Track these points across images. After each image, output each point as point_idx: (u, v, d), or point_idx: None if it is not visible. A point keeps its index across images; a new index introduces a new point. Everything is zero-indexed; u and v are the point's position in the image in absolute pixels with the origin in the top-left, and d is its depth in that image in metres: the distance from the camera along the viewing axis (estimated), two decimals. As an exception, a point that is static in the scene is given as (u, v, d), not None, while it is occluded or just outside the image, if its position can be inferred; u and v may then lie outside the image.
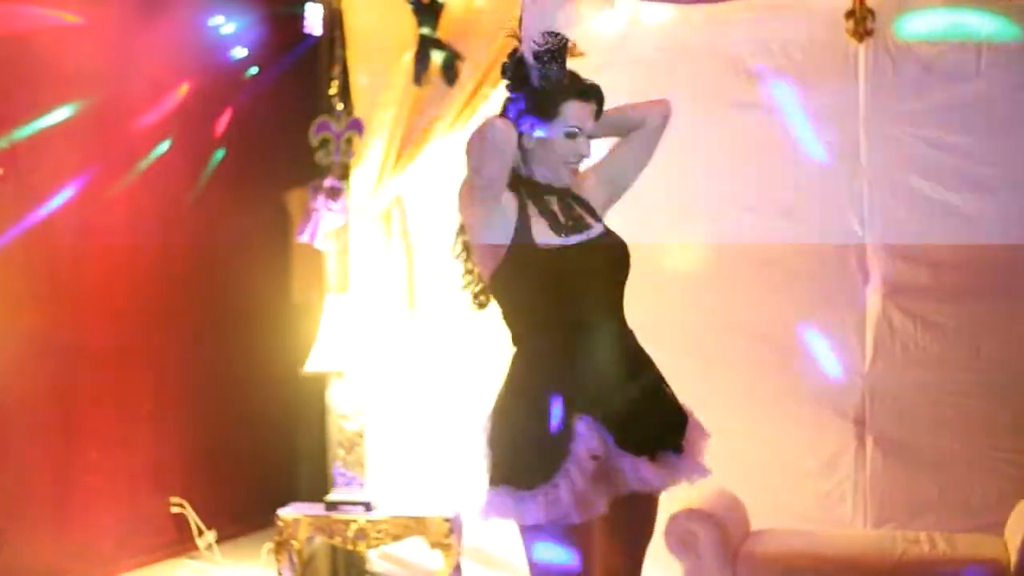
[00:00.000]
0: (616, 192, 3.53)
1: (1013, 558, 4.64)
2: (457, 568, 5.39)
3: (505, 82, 3.46)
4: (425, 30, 5.60)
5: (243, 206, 6.43)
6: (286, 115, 6.19)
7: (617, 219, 3.55)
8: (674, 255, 5.29)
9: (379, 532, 5.42)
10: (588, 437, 3.23)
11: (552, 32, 3.35)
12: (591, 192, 3.49)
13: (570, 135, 3.38)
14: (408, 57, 5.66)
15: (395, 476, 5.76)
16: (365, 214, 5.79)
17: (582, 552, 3.24)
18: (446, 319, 5.83)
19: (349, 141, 5.69)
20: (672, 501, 4.72)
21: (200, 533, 6.18)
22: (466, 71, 5.57)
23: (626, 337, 3.41)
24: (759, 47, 5.54)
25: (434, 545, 5.39)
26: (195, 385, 6.31)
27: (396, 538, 5.46)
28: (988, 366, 5.35)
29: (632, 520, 3.41)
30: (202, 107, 6.20)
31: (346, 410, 5.54)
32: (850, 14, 5.38)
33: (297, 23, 6.12)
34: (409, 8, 5.60)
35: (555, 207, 3.40)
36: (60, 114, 5.42)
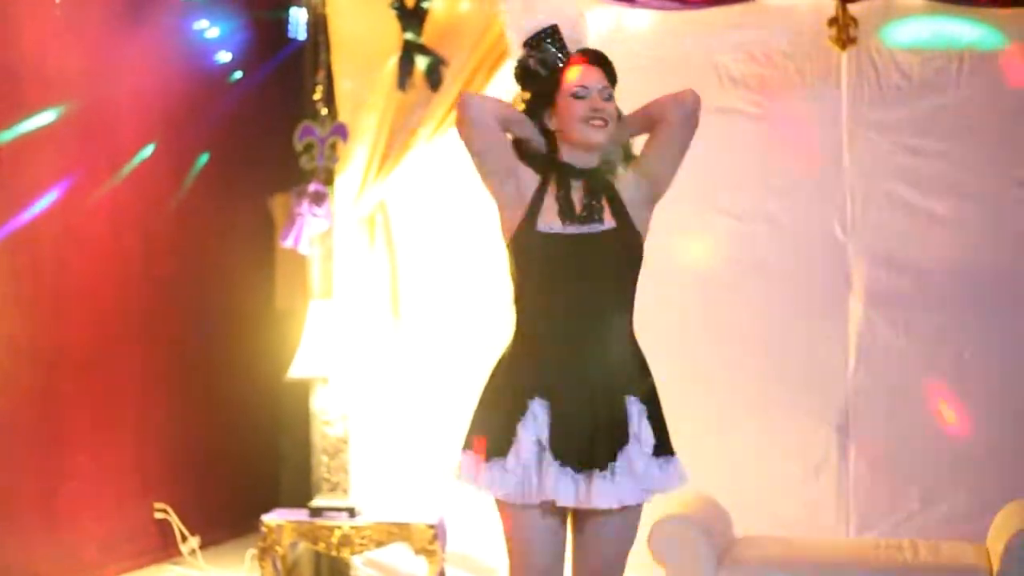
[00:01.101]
0: (653, 189, 3.45)
1: (995, 566, 4.65)
2: (441, 574, 5.39)
3: (519, 88, 3.51)
4: (409, 35, 5.61)
5: (227, 211, 6.42)
6: (270, 120, 6.19)
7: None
8: (656, 262, 5.27)
9: (363, 538, 5.41)
10: (540, 423, 3.30)
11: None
12: (628, 188, 3.44)
13: (576, 96, 3.37)
14: (392, 62, 5.66)
15: (379, 482, 5.75)
16: (349, 219, 5.79)
17: (534, 539, 3.35)
18: (430, 325, 5.84)
19: (333, 146, 5.69)
20: (656, 508, 4.74)
21: (184, 539, 6.17)
22: (450, 76, 5.58)
23: (612, 338, 3.38)
24: (742, 54, 5.55)
25: (418, 551, 5.38)
26: (179, 390, 6.29)
27: (380, 544, 5.45)
28: (970, 374, 5.37)
29: (608, 524, 3.39)
30: (186, 111, 6.19)
31: (330, 416, 5.53)
32: (833, 21, 5.37)
33: (281, 28, 6.12)
34: (393, 13, 5.60)
35: (575, 193, 3.40)
36: (43, 118, 5.41)
